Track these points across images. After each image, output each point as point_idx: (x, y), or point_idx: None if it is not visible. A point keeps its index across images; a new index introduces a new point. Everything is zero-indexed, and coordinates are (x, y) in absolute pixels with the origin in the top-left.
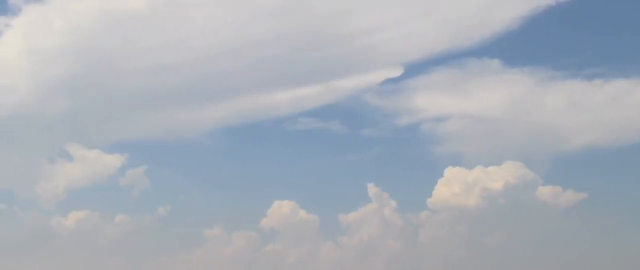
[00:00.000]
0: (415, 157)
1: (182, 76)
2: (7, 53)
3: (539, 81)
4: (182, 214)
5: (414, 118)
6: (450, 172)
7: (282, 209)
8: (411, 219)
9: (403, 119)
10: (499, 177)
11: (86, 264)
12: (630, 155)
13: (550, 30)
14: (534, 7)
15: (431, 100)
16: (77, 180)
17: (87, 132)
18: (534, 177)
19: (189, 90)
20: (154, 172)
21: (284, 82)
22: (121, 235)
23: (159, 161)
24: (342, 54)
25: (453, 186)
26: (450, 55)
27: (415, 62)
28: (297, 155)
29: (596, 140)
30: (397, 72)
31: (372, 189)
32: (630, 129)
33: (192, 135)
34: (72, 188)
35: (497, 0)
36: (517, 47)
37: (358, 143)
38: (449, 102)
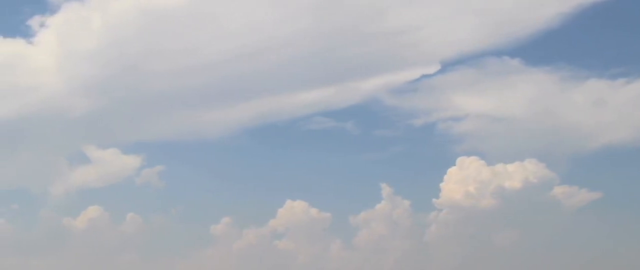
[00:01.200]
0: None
1: (210, 77)
2: (38, 52)
3: (561, 80)
4: (195, 212)
5: (440, 116)
6: (464, 171)
7: (294, 208)
8: (424, 218)
9: (429, 117)
10: (515, 176)
11: (97, 262)
12: None
13: (582, 29)
14: (575, 5)
15: (457, 98)
16: (94, 180)
17: (108, 133)
18: (550, 177)
19: (213, 91)
20: (171, 172)
21: (312, 81)
22: (133, 234)
23: (176, 161)
24: (374, 52)
25: (467, 185)
26: (474, 54)
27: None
28: (314, 155)
29: (616, 140)
30: (431, 70)
31: (385, 188)
32: None
33: (212, 135)
34: (89, 188)
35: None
36: (542, 46)
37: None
38: (469, 101)
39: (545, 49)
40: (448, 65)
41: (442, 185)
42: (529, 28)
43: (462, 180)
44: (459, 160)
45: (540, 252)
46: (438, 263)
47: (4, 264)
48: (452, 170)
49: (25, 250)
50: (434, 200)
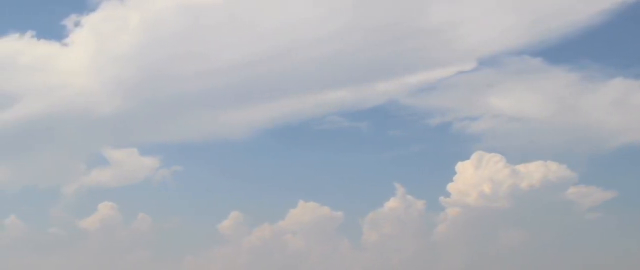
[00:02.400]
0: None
1: (235, 78)
2: (70, 52)
3: (585, 79)
4: (208, 212)
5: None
6: (478, 170)
7: (306, 208)
8: (435, 218)
9: (447, 116)
10: (530, 175)
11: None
12: None
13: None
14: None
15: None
16: (110, 180)
17: (129, 133)
18: (567, 176)
19: (237, 92)
20: (187, 173)
21: (340, 81)
22: (145, 233)
23: (193, 162)
24: (407, 50)
25: (481, 185)
26: (502, 53)
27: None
28: (332, 155)
29: (636, 140)
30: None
31: (399, 188)
32: None
33: (232, 136)
34: (105, 187)
35: None
36: (574, 44)
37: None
38: (491, 101)
39: (575, 47)
40: (483, 64)
41: (454, 184)
42: (566, 26)
43: (476, 179)
44: (472, 159)
45: (551, 252)
46: (448, 262)
47: (18, 262)
48: (465, 170)
49: (39, 248)
50: (446, 199)
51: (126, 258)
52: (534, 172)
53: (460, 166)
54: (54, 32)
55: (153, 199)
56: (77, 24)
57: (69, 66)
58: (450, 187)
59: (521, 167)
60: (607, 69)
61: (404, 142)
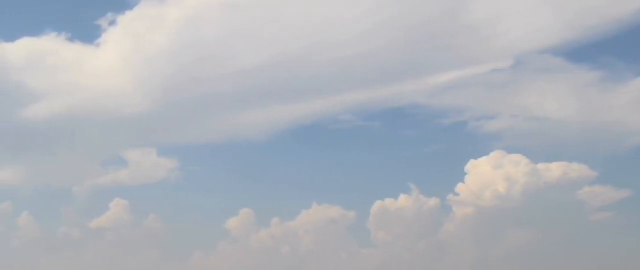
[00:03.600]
0: None
1: (262, 79)
2: (102, 52)
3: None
4: (222, 210)
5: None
6: (492, 169)
7: (318, 208)
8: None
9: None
10: (546, 174)
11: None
12: None
13: None
14: None
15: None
16: (128, 180)
17: (151, 134)
18: (586, 176)
19: (260, 93)
20: (203, 173)
21: (368, 80)
22: (156, 232)
23: (211, 163)
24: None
25: (496, 184)
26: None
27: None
28: (344, 154)
29: None
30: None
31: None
32: None
33: (252, 137)
34: (121, 187)
35: None
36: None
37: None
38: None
39: (601, 46)
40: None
41: (466, 184)
42: (599, 25)
43: (493, 179)
44: (490, 158)
45: (557, 251)
46: (458, 261)
47: (33, 261)
48: (479, 168)
49: (51, 248)
50: (458, 198)
51: (137, 256)
52: (554, 171)
53: (477, 164)
54: (89, 31)
55: (167, 199)
56: (112, 23)
57: (98, 67)
58: (464, 186)
59: (542, 167)
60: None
61: (430, 140)
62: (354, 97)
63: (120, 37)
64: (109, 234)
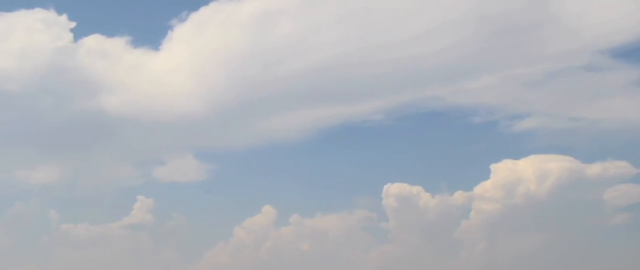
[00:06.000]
0: None
1: (309, 82)
2: (163, 56)
3: None
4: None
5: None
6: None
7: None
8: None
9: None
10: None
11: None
12: None
13: None
14: None
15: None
16: (162, 182)
17: (192, 137)
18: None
19: (307, 96)
20: (235, 175)
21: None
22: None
23: (247, 165)
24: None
25: (518, 184)
26: None
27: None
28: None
29: None
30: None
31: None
32: None
33: (288, 139)
34: (154, 188)
35: None
36: None
37: None
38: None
39: None
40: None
41: (490, 182)
42: None
43: (512, 178)
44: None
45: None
46: (472, 259)
47: (58, 258)
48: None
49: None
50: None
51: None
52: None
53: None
54: (155, 32)
55: (197, 201)
56: (183, 20)
57: (158, 68)
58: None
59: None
60: None
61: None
62: (391, 100)
63: (181, 41)
64: (136, 232)
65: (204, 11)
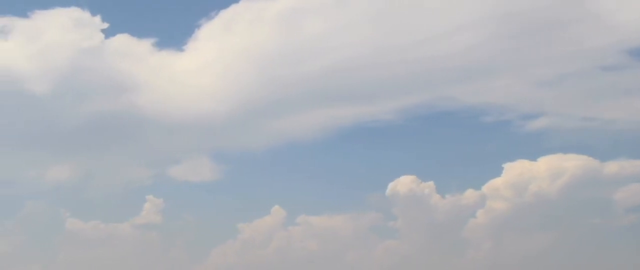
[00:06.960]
0: None
1: (332, 81)
2: (186, 56)
3: None
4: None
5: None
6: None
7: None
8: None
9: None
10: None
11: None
12: None
13: None
14: None
15: None
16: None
17: (208, 138)
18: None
19: (325, 96)
20: (247, 175)
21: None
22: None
23: (260, 165)
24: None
25: (528, 184)
26: None
27: None
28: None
29: None
30: None
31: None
32: None
33: (303, 138)
34: (165, 189)
35: None
36: None
37: None
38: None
39: None
40: None
41: (501, 179)
42: None
43: (525, 176)
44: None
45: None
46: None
47: (70, 257)
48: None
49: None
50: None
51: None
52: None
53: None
54: (182, 32)
55: (207, 201)
56: (211, 18)
57: (183, 69)
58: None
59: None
60: None
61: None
62: (403, 100)
63: (205, 43)
64: (145, 232)
65: (233, 9)
